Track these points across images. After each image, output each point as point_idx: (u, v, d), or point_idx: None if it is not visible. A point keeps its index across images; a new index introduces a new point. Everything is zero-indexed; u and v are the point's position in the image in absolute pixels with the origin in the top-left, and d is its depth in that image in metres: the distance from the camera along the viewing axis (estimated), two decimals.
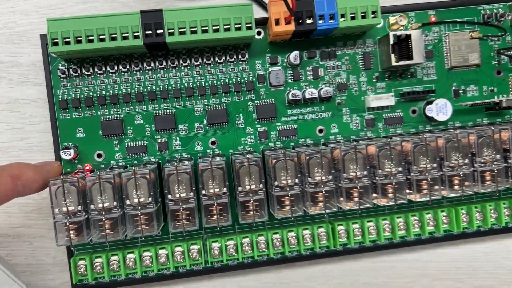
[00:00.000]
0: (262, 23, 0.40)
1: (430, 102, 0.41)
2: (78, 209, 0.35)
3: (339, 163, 0.37)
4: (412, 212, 0.41)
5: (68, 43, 0.36)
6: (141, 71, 0.40)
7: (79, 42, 0.36)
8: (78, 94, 0.40)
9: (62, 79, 0.40)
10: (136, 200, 0.35)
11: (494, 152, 0.38)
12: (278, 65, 0.41)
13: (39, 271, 0.43)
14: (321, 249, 0.42)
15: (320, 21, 0.37)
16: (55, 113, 0.40)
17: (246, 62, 0.41)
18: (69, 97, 0.40)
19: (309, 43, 0.41)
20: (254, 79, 0.41)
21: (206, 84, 0.41)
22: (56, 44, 0.35)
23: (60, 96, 0.40)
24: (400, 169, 0.37)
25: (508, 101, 0.41)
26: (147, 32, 0.36)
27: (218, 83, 0.41)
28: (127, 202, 0.35)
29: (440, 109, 0.41)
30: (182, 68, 0.40)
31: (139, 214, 0.35)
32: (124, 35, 0.36)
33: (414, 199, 0.38)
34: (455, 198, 0.42)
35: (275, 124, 0.41)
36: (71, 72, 0.40)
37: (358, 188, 0.36)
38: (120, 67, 0.40)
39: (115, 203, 0.35)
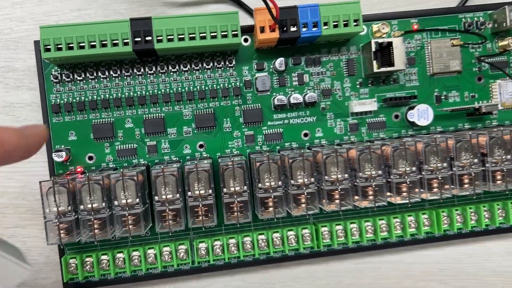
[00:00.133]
0: (249, 30, 0.42)
1: (412, 108, 0.42)
2: (68, 209, 0.36)
3: (321, 166, 0.38)
4: (394, 214, 0.43)
5: (60, 49, 0.37)
6: (131, 77, 0.41)
7: (71, 48, 0.37)
8: (71, 99, 0.41)
9: (55, 84, 0.41)
10: (124, 201, 0.36)
11: (472, 156, 0.39)
12: (264, 71, 0.43)
13: (33, 270, 0.45)
14: (306, 249, 0.43)
15: (304, 29, 0.39)
16: (48, 116, 0.41)
17: (234, 68, 0.42)
18: (62, 101, 0.41)
19: (295, 50, 0.43)
20: (241, 85, 0.42)
21: (195, 89, 0.42)
22: (48, 50, 0.37)
23: (53, 101, 0.41)
24: (380, 172, 0.38)
25: (487, 106, 0.42)
26: (136, 39, 0.37)
27: (206, 88, 0.42)
28: (116, 203, 0.36)
29: (422, 114, 0.42)
30: (171, 73, 0.42)
31: (127, 215, 0.36)
32: (114, 41, 0.37)
33: (394, 202, 0.39)
34: (437, 201, 0.44)
35: (261, 128, 0.43)
36: (64, 77, 0.41)
37: (339, 190, 0.38)
38: (111, 72, 0.41)
39: (104, 204, 0.36)
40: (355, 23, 0.39)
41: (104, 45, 0.37)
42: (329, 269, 0.46)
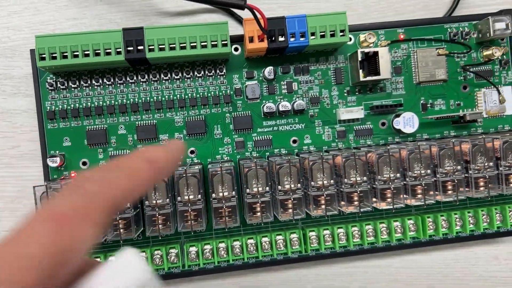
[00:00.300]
0: (239, 40, 0.43)
1: (398, 115, 0.44)
2: None
3: (307, 172, 0.39)
4: (381, 219, 0.44)
5: (54, 58, 0.38)
6: (124, 84, 0.43)
7: (65, 57, 0.38)
8: (65, 106, 0.42)
9: (50, 91, 0.42)
10: None
11: (455, 163, 0.40)
12: (254, 79, 0.44)
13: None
14: (294, 254, 0.44)
15: (292, 39, 0.40)
16: (43, 123, 0.42)
17: (224, 76, 0.44)
18: (57, 108, 0.42)
19: (284, 59, 0.44)
20: (232, 92, 0.44)
21: (186, 96, 0.43)
22: (43, 59, 0.38)
23: (48, 107, 0.42)
24: (365, 178, 0.39)
25: (471, 114, 0.43)
26: (128, 48, 0.39)
27: (197, 95, 0.43)
28: None
29: (407, 122, 0.43)
30: (163, 81, 0.43)
31: (118, 219, 0.37)
32: (107, 50, 0.39)
33: (379, 207, 0.40)
34: (423, 207, 0.44)
35: (251, 134, 0.44)
36: (59, 85, 0.42)
37: (325, 196, 0.39)
38: (105, 80, 0.42)
39: None
40: (341, 33, 0.40)
41: (97, 54, 0.39)
42: (318, 273, 0.47)
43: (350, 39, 0.44)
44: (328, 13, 0.40)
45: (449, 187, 0.40)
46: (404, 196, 0.40)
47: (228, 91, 0.44)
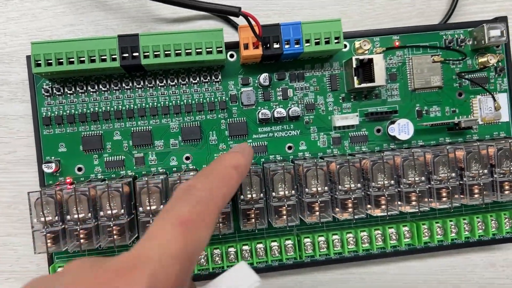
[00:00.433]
0: (235, 46, 0.43)
1: (393, 122, 0.44)
2: (56, 219, 0.37)
3: (302, 179, 0.39)
4: (376, 226, 0.44)
5: (50, 64, 0.38)
6: (120, 91, 0.43)
7: (61, 63, 0.38)
8: (61, 111, 0.42)
9: (46, 97, 0.42)
10: (109, 212, 0.37)
11: (450, 170, 0.40)
12: (249, 85, 0.44)
13: (23, 278, 0.46)
14: (289, 260, 0.44)
15: (287, 46, 0.40)
16: (39, 129, 0.42)
17: (220, 82, 0.44)
18: (53, 114, 0.42)
19: (279, 65, 0.44)
20: (227, 99, 0.44)
21: (181, 103, 0.43)
22: (39, 65, 0.38)
23: (44, 113, 0.42)
24: (359, 185, 0.39)
25: (466, 121, 0.43)
26: (124, 55, 0.39)
27: (193, 102, 0.43)
28: (101, 213, 0.38)
29: (402, 129, 0.43)
30: (159, 88, 0.43)
31: (112, 225, 0.37)
32: (102, 57, 0.39)
33: (373, 214, 0.40)
34: (418, 214, 0.44)
35: (246, 141, 0.44)
36: (55, 91, 0.42)
37: (319, 202, 0.39)
38: (100, 86, 0.43)
39: (90, 214, 0.37)
40: (336, 41, 0.40)
41: (92, 61, 0.39)
42: (314, 280, 0.47)
43: (345, 46, 0.44)
44: (322, 20, 0.40)
45: (444, 194, 0.40)
46: (399, 203, 0.40)
47: (224, 97, 0.44)
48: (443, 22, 0.47)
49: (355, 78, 0.42)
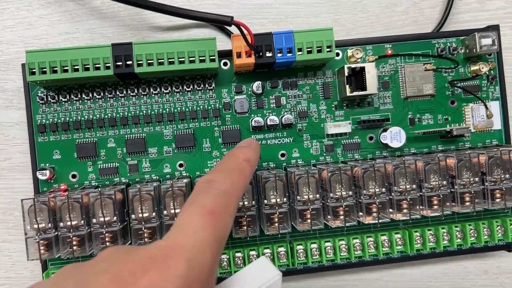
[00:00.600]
0: (229, 54, 0.43)
1: (385, 130, 0.44)
2: (49, 226, 0.38)
3: (294, 186, 0.39)
4: (368, 233, 0.44)
5: (44, 72, 0.39)
6: (114, 98, 0.43)
7: (55, 71, 0.39)
8: (56, 119, 0.43)
9: (41, 104, 0.43)
10: (102, 219, 0.38)
11: (441, 178, 0.40)
12: (243, 93, 0.44)
13: (18, 284, 0.46)
14: (282, 267, 0.44)
15: (279, 55, 0.40)
16: (33, 136, 0.43)
17: (213, 90, 0.44)
18: (47, 122, 0.43)
19: (272, 73, 0.44)
20: (220, 106, 0.44)
21: (175, 110, 0.44)
22: (33, 73, 0.39)
23: (39, 121, 0.43)
24: (350, 193, 0.39)
25: (458, 129, 0.43)
26: (117, 63, 0.39)
27: (187, 109, 0.44)
28: (94, 220, 0.38)
29: (394, 137, 0.43)
30: (153, 95, 0.44)
31: (104, 232, 0.38)
32: (96, 65, 0.39)
33: (365, 222, 0.40)
34: (409, 222, 0.45)
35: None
36: (49, 99, 0.43)
37: (310, 210, 0.39)
38: (95, 94, 0.43)
39: (82, 221, 0.38)
40: (328, 49, 0.41)
41: (87, 69, 0.39)
42: (307, 287, 0.47)
43: (338, 54, 0.44)
44: (315, 29, 0.40)
45: (435, 202, 0.40)
46: (390, 210, 0.40)
47: (217, 105, 0.44)
48: (436, 30, 0.47)
49: (347, 86, 0.42)
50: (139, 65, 0.39)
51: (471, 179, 0.40)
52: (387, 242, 0.43)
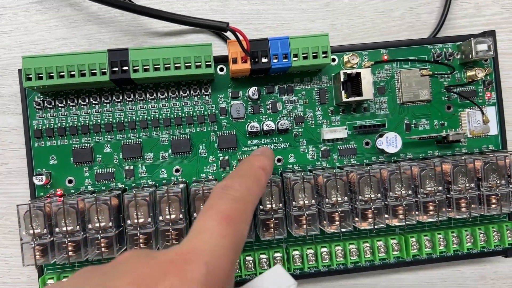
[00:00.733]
0: (225, 60, 0.43)
1: (381, 135, 0.44)
2: (44, 232, 0.38)
3: (289, 192, 0.39)
4: (364, 239, 0.44)
5: (41, 78, 0.39)
6: (110, 104, 0.43)
7: (51, 77, 0.39)
8: (52, 124, 0.43)
9: (37, 110, 0.43)
10: (97, 225, 0.38)
11: (436, 184, 0.40)
12: (239, 99, 0.44)
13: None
14: None
15: (275, 60, 0.40)
16: (30, 141, 0.43)
17: (209, 96, 0.44)
18: (44, 127, 0.43)
19: (268, 79, 0.44)
20: (217, 112, 0.44)
21: (171, 115, 0.44)
22: (30, 79, 0.39)
23: (36, 126, 0.43)
24: (346, 198, 0.39)
25: (454, 135, 0.43)
26: (113, 69, 0.39)
27: (183, 115, 0.44)
28: (89, 226, 0.38)
29: (390, 142, 0.44)
30: (149, 101, 0.44)
31: (100, 238, 0.38)
32: (92, 71, 0.39)
33: (361, 227, 0.40)
34: (405, 227, 0.45)
35: (236, 153, 0.44)
36: (46, 104, 0.43)
37: (306, 216, 0.39)
38: (91, 99, 0.43)
39: (78, 227, 0.38)
40: (323, 55, 0.41)
41: (83, 75, 0.39)
42: None
43: (334, 60, 0.45)
44: (310, 35, 0.40)
45: (431, 208, 0.40)
46: (386, 216, 0.40)
47: (213, 110, 0.44)
48: (432, 36, 0.47)
49: (343, 92, 0.42)
50: (135, 70, 0.39)
51: (467, 185, 0.40)
52: (383, 248, 0.43)
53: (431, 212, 0.40)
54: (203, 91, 0.44)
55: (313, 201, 0.39)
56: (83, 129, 0.43)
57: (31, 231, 0.38)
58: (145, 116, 0.44)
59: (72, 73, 0.39)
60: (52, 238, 0.38)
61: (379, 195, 0.40)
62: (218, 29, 0.39)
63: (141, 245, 0.38)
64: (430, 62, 0.45)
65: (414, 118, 0.45)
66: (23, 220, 0.38)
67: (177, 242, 0.39)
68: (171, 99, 0.44)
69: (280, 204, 0.39)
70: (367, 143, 0.45)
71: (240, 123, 0.44)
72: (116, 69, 0.39)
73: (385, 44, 0.45)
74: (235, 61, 0.41)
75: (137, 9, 0.40)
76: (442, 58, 0.46)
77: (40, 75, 0.39)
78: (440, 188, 0.40)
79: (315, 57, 0.41)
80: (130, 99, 0.43)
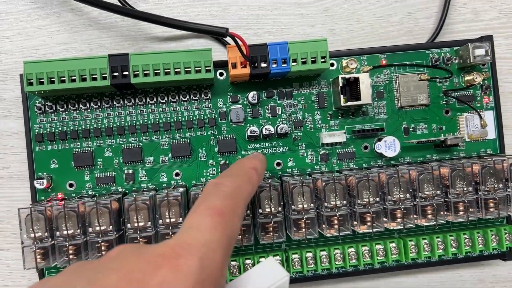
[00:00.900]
0: (225, 65, 0.44)
1: (380, 139, 0.44)
2: (45, 235, 0.38)
3: (288, 195, 0.40)
4: (364, 242, 0.44)
5: (42, 83, 0.39)
6: (111, 108, 0.44)
7: (52, 82, 0.39)
8: (53, 128, 0.43)
9: (39, 114, 0.43)
10: (98, 228, 0.38)
11: (434, 187, 0.40)
12: (238, 103, 0.45)
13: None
14: None
15: (274, 65, 0.41)
16: (31, 145, 0.43)
17: (209, 100, 0.44)
18: (45, 131, 0.43)
19: (268, 83, 0.45)
20: (216, 116, 0.44)
21: (171, 120, 0.44)
22: (31, 84, 0.39)
23: (37, 130, 0.43)
24: (345, 202, 0.40)
25: (452, 139, 0.44)
26: (114, 74, 0.40)
27: (183, 119, 0.44)
28: (90, 230, 0.38)
29: (389, 146, 0.44)
30: (149, 105, 0.44)
31: (100, 241, 0.38)
32: (93, 76, 0.40)
33: (359, 231, 0.40)
34: (403, 231, 0.45)
35: (235, 157, 0.45)
36: (47, 109, 0.43)
37: (305, 219, 0.39)
38: (92, 104, 0.43)
39: (79, 230, 0.38)
40: (322, 60, 0.41)
41: (84, 79, 0.40)
42: None
43: (333, 64, 0.45)
44: (309, 40, 0.41)
45: (429, 212, 0.41)
46: (384, 220, 0.40)
47: (213, 114, 0.44)
48: (431, 40, 0.47)
49: (342, 96, 0.42)
50: (135, 75, 0.40)
51: (465, 189, 0.41)
52: (382, 251, 0.44)
53: (429, 216, 0.41)
54: (203, 95, 0.44)
55: (312, 204, 0.40)
56: (83, 133, 0.43)
57: (32, 235, 0.38)
58: (145, 120, 0.44)
59: (73, 78, 0.39)
60: (53, 242, 0.38)
61: (377, 199, 0.40)
62: (218, 35, 0.40)
63: None
64: (428, 66, 0.46)
65: (412, 122, 0.46)
66: (24, 223, 0.38)
67: None
68: (171, 103, 0.44)
69: (279, 208, 0.40)
70: (365, 147, 0.45)
71: (240, 127, 0.45)
72: (117, 74, 0.40)
73: (383, 49, 0.46)
74: (234, 66, 0.41)
75: (137, 14, 0.41)
76: (440, 63, 0.46)
77: (42, 80, 0.39)
78: (438, 192, 0.40)
79: (313, 62, 0.41)
80: (131, 103, 0.44)
